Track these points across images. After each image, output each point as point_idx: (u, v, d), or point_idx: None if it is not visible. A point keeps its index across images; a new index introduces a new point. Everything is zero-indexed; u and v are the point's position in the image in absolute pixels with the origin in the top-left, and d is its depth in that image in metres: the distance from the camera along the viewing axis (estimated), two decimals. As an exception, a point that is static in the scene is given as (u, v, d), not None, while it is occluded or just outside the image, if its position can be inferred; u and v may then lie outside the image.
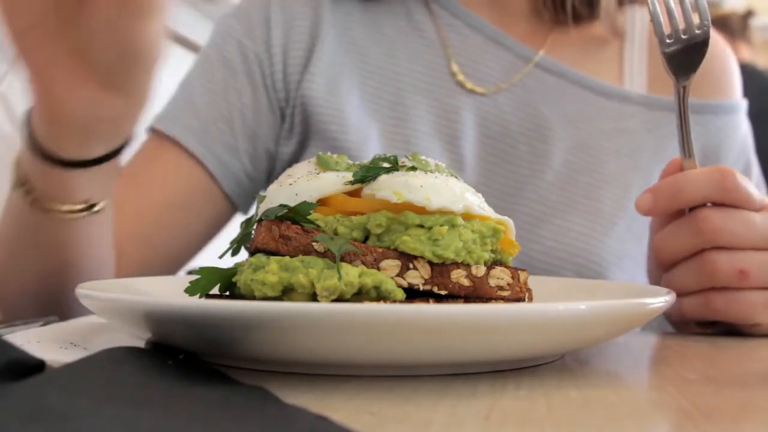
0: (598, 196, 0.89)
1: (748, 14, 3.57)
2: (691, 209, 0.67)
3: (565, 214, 0.88)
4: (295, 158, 0.93)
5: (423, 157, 0.55)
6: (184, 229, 0.91)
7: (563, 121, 0.93)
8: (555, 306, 0.44)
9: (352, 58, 0.93)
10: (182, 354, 0.46)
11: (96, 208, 0.66)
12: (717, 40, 1.00)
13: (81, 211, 0.65)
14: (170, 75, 1.06)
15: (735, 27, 3.43)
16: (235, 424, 0.32)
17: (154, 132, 0.92)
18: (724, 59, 1.00)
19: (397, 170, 0.53)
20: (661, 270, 0.70)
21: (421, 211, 0.51)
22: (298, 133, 0.92)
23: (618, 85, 0.96)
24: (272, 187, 0.55)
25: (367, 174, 0.53)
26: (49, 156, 0.61)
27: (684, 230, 0.66)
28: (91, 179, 0.64)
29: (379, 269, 0.49)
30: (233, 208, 0.95)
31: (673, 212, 0.68)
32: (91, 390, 0.34)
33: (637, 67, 0.97)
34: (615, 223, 0.88)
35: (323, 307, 0.41)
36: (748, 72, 3.30)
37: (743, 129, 0.99)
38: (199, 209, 0.91)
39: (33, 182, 0.63)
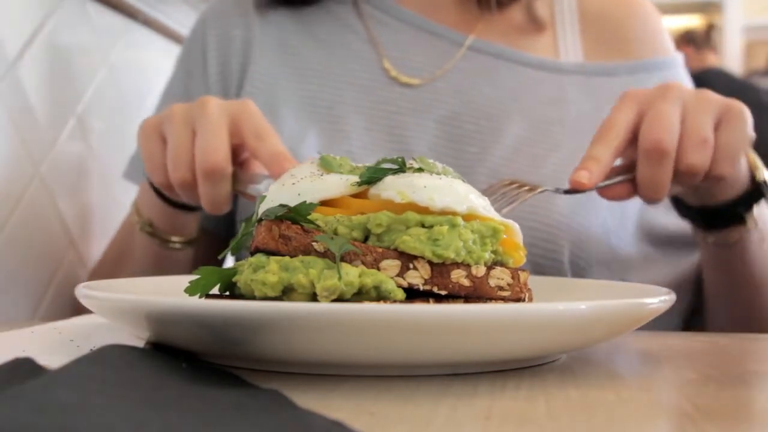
0: (543, 163, 0.90)
1: (710, 28, 4.16)
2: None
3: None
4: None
5: (431, 161, 0.56)
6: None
7: (505, 97, 0.94)
8: (555, 306, 0.44)
9: (289, 65, 0.96)
10: (184, 355, 0.46)
11: (190, 240, 0.89)
12: (633, 0, 1.02)
13: (183, 242, 0.88)
14: (165, 71, 1.06)
15: (699, 40, 3.86)
16: (250, 428, 0.31)
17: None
18: (646, 18, 1.02)
19: (404, 172, 0.53)
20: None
21: (423, 211, 0.50)
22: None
23: (554, 58, 0.98)
24: (274, 187, 0.55)
25: (374, 175, 0.53)
26: (171, 203, 0.84)
27: (654, 173, 0.70)
28: (193, 220, 0.88)
29: (379, 269, 0.48)
30: (214, 235, 0.97)
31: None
32: (102, 389, 0.34)
33: (570, 38, 0.99)
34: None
35: (323, 307, 0.41)
36: (717, 75, 3.60)
37: (686, 83, 1.01)
38: (180, 253, 0.92)
39: (156, 222, 0.86)
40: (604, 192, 0.73)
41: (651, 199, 0.72)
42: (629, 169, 0.73)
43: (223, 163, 0.71)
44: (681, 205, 0.81)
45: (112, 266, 0.96)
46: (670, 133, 0.69)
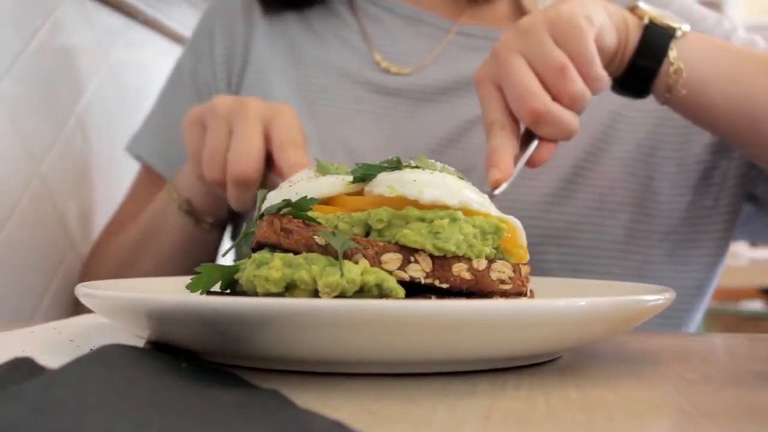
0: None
1: None
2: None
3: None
4: None
5: (431, 161, 0.56)
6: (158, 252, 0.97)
7: None
8: (555, 302, 0.44)
9: (287, 55, 1.00)
10: (184, 355, 0.46)
11: (221, 222, 0.95)
12: None
13: (214, 224, 0.93)
14: (165, 70, 1.06)
15: None
16: (250, 428, 0.31)
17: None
18: None
19: (399, 170, 0.54)
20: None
21: (422, 206, 0.51)
22: None
23: None
24: (273, 193, 0.56)
25: (368, 173, 0.53)
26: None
27: (550, 130, 0.70)
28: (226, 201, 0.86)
29: (380, 263, 0.49)
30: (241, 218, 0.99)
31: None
32: (102, 389, 0.34)
33: None
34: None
35: (325, 302, 0.41)
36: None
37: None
38: (208, 236, 0.96)
39: (193, 201, 0.90)
40: (530, 164, 0.73)
41: (569, 138, 0.72)
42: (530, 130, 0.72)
43: (252, 173, 0.74)
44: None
45: (136, 250, 0.97)
46: (533, 94, 0.68)
